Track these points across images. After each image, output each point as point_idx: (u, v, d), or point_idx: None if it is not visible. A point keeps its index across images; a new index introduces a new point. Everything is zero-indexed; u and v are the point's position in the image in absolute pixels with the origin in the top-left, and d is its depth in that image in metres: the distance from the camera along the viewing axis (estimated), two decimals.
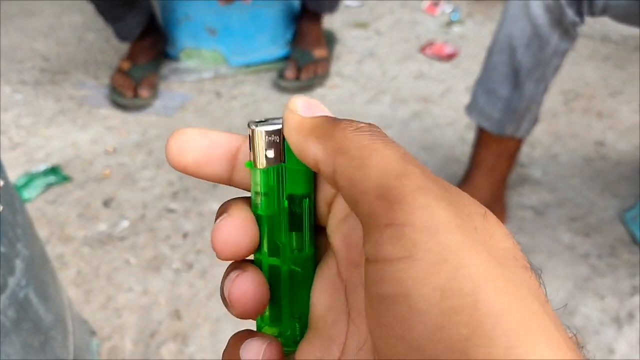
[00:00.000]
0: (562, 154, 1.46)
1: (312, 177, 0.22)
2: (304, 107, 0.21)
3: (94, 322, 1.05)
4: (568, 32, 1.05)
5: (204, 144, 0.22)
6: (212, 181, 0.23)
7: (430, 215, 0.16)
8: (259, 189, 0.22)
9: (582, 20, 1.04)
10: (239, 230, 0.22)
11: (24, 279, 0.73)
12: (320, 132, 0.19)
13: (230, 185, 0.23)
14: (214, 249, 0.22)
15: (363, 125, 0.19)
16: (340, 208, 0.22)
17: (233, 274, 0.23)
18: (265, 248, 0.23)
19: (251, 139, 0.21)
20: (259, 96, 1.63)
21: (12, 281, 0.71)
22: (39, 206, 1.29)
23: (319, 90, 1.64)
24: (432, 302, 0.15)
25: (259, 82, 1.67)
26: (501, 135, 1.15)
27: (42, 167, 1.38)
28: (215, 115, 1.56)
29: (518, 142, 1.18)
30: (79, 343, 0.88)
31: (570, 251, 1.20)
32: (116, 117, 1.55)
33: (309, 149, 0.20)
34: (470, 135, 1.46)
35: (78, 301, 1.09)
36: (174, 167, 0.22)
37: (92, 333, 1.02)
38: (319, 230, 0.23)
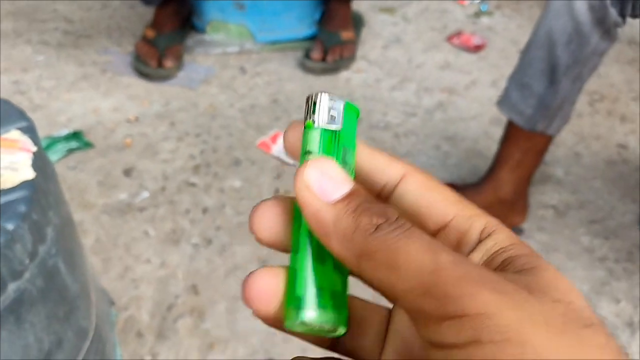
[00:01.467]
0: (585, 155, 1.45)
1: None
2: (318, 185, 0.20)
3: (112, 292, 1.06)
4: (609, 32, 1.04)
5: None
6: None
7: (480, 301, 0.17)
8: (315, 147, 0.22)
9: (623, 21, 1.03)
10: (277, 209, 0.22)
11: (54, 247, 0.73)
12: (341, 233, 0.19)
13: None
14: (251, 229, 0.22)
15: (381, 219, 0.19)
16: None
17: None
18: None
19: (313, 102, 0.22)
20: (284, 75, 1.61)
21: (42, 249, 0.71)
22: (59, 171, 1.28)
23: (344, 74, 1.62)
24: None
25: (284, 61, 1.66)
26: (532, 131, 1.14)
27: (64, 131, 1.37)
28: (239, 92, 1.55)
29: (547, 140, 1.17)
30: (99, 313, 0.88)
31: (588, 253, 1.20)
32: (139, 85, 1.54)
33: (332, 245, 0.19)
34: (494, 130, 1.45)
35: (96, 270, 1.09)
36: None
37: (111, 303, 1.02)
38: None
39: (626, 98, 1.64)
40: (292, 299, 0.21)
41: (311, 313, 0.20)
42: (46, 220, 0.72)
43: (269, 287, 0.21)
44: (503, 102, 1.18)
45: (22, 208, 0.67)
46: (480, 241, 0.21)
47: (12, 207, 0.67)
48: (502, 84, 1.24)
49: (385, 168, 0.23)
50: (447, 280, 0.17)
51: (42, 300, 0.71)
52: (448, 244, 0.22)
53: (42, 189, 0.71)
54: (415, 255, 0.18)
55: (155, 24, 1.59)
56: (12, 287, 0.66)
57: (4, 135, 0.77)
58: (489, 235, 0.21)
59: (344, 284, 0.22)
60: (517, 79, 1.15)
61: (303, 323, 0.20)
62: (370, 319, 0.24)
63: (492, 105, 1.39)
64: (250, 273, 0.22)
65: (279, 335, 1.01)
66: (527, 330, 0.16)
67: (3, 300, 0.65)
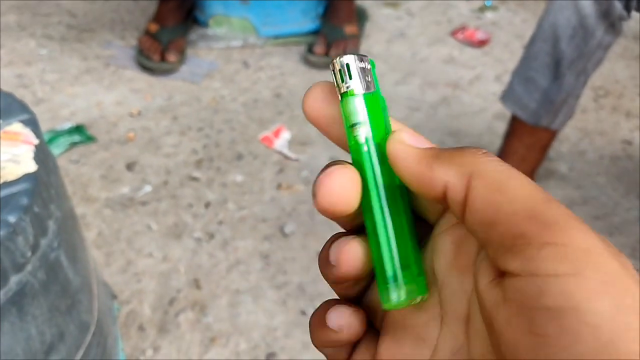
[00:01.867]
0: (590, 151, 1.44)
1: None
2: (412, 139, 0.21)
3: (114, 286, 1.06)
4: (614, 26, 1.03)
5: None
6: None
7: (589, 239, 0.17)
8: (362, 118, 0.21)
9: (628, 15, 1.02)
10: (348, 176, 0.21)
11: (55, 240, 0.73)
12: (449, 157, 0.19)
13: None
14: (317, 201, 0.21)
15: (488, 152, 0.19)
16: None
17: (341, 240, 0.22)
18: (379, 183, 0.21)
19: (344, 69, 0.21)
20: (287, 69, 1.61)
21: (44, 242, 0.71)
22: (61, 165, 1.29)
23: None
24: (606, 317, 0.15)
25: (287, 55, 1.65)
26: (536, 126, 1.14)
27: (67, 125, 1.37)
28: (242, 86, 1.54)
29: (551, 135, 1.17)
30: (101, 306, 0.88)
31: None
32: (142, 79, 1.54)
33: (437, 175, 0.19)
34: (498, 125, 1.44)
35: (98, 263, 1.09)
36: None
37: (113, 296, 1.03)
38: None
39: (631, 94, 1.63)
40: (384, 281, 0.21)
41: (403, 295, 0.21)
42: (48, 213, 0.72)
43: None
44: (507, 96, 1.17)
45: (24, 200, 0.67)
46: None
47: (14, 199, 0.67)
48: (507, 78, 1.23)
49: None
50: (558, 212, 0.17)
51: (44, 293, 0.71)
52: None
53: (44, 182, 0.71)
54: (528, 184, 0.18)
55: (158, 18, 1.59)
56: (14, 280, 0.66)
57: (6, 128, 0.77)
58: None
59: (419, 249, 0.22)
60: (521, 73, 1.14)
61: (399, 304, 0.21)
62: None
63: (496, 100, 1.38)
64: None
65: (280, 329, 1.01)
66: (630, 282, 0.16)
67: (5, 293, 0.65)
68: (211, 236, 1.17)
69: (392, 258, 0.21)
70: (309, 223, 1.20)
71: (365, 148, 0.21)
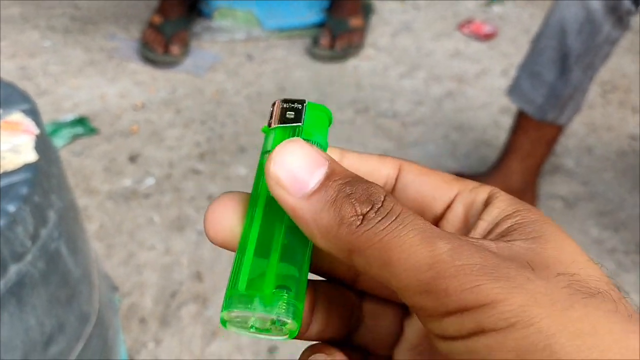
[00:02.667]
0: (596, 146, 1.42)
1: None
2: (289, 178, 0.18)
3: (115, 278, 1.05)
4: (621, 20, 1.02)
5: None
6: None
7: (482, 293, 0.16)
8: (269, 147, 0.21)
9: (636, 9, 1.01)
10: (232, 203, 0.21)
11: (56, 231, 0.72)
12: (324, 230, 0.18)
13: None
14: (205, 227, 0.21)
15: (365, 207, 0.17)
16: None
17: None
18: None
19: (273, 109, 0.22)
20: (291, 62, 1.60)
21: (44, 232, 0.70)
22: (64, 157, 1.28)
23: (353, 61, 1.60)
24: None
25: (292, 48, 1.64)
26: (542, 121, 1.12)
27: (70, 117, 1.37)
28: (245, 79, 1.54)
29: (558, 130, 1.15)
30: (102, 298, 0.88)
31: (597, 245, 1.18)
32: (145, 72, 1.53)
33: (318, 243, 0.18)
34: (504, 120, 1.43)
35: (100, 255, 1.09)
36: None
37: (114, 288, 1.02)
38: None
39: (638, 89, 1.61)
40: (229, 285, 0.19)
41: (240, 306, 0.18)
42: (48, 203, 0.71)
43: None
44: (513, 91, 1.16)
45: (23, 190, 0.67)
46: (484, 210, 0.20)
47: (13, 189, 0.67)
48: (513, 73, 1.22)
49: (379, 168, 0.22)
50: (446, 275, 0.16)
51: (44, 284, 0.71)
52: (456, 220, 0.21)
53: (44, 172, 0.71)
54: (409, 250, 0.16)
55: (162, 10, 1.58)
56: (13, 269, 0.66)
57: (6, 118, 0.76)
58: (492, 203, 0.20)
59: (299, 275, 0.19)
60: (528, 67, 1.13)
61: (237, 318, 0.19)
62: (384, 312, 0.23)
63: (502, 94, 1.37)
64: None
65: None
66: (531, 313, 0.15)
67: (5, 283, 0.65)
68: None
69: (245, 269, 0.19)
70: None
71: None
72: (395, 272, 0.16)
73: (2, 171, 0.68)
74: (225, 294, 0.19)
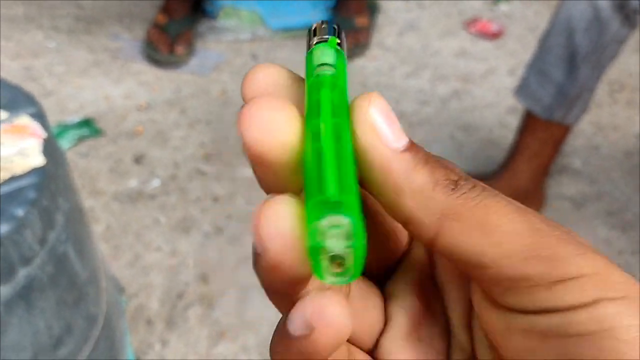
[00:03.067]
0: (604, 146, 1.42)
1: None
2: (384, 128, 0.16)
3: (122, 279, 1.05)
4: (629, 18, 1.02)
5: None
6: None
7: (594, 261, 0.15)
8: (331, 60, 0.18)
9: None
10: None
11: (64, 233, 0.72)
12: (417, 189, 0.16)
13: None
14: (243, 135, 0.16)
15: (455, 176, 0.16)
16: None
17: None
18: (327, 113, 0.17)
19: (318, 28, 0.19)
20: (296, 62, 1.59)
21: (52, 236, 0.70)
22: (70, 158, 1.28)
23: (359, 61, 1.60)
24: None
25: (297, 48, 1.63)
26: (549, 121, 1.12)
27: (75, 118, 1.37)
28: None
29: (565, 129, 1.15)
30: (109, 299, 0.88)
31: (605, 246, 1.18)
32: (150, 72, 1.53)
33: (405, 204, 0.16)
34: (510, 120, 1.42)
35: (107, 257, 1.09)
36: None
37: (121, 290, 1.02)
38: None
39: None
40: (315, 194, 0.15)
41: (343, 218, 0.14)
42: (56, 206, 0.71)
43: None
44: (521, 90, 1.16)
45: (32, 194, 0.67)
46: None
47: (22, 193, 0.67)
48: (520, 72, 1.21)
49: None
50: (550, 242, 0.15)
51: (52, 287, 0.71)
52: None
53: (52, 175, 0.70)
54: (508, 215, 0.16)
55: (166, 10, 1.58)
56: (22, 273, 0.66)
57: (13, 121, 0.76)
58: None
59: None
60: (536, 66, 1.13)
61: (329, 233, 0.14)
62: (370, 295, 0.20)
63: (509, 93, 1.36)
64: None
65: None
66: (635, 287, 0.15)
67: (13, 286, 0.65)
68: (220, 231, 1.16)
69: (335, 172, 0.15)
70: None
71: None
72: (495, 238, 0.16)
73: (10, 175, 0.68)
74: (309, 202, 0.15)
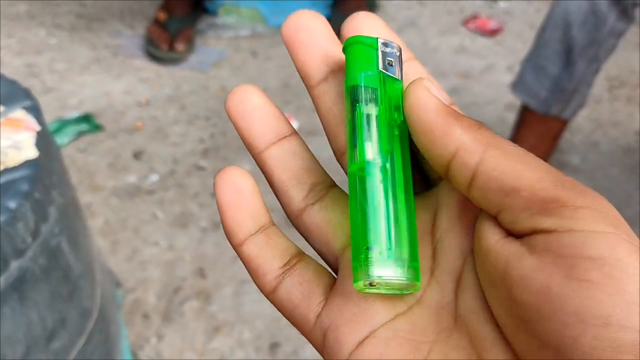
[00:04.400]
0: (602, 142, 1.41)
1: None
2: (436, 90, 0.20)
3: (119, 274, 1.06)
4: (626, 12, 1.01)
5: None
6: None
7: (614, 209, 0.18)
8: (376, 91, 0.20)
9: None
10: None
11: (57, 227, 0.73)
12: (467, 123, 0.19)
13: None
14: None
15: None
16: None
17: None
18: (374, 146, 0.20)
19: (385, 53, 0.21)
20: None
21: (45, 228, 0.70)
22: (69, 153, 1.29)
23: None
24: None
25: None
26: (546, 115, 1.12)
27: (75, 114, 1.38)
28: (249, 75, 1.54)
29: (562, 124, 1.15)
30: (104, 293, 0.88)
31: None
32: (150, 69, 1.54)
33: (453, 133, 0.19)
34: (510, 116, 1.42)
35: (104, 251, 1.09)
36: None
37: (118, 284, 1.03)
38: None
39: None
40: (361, 251, 0.18)
41: (387, 270, 0.18)
42: (49, 199, 0.71)
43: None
44: (517, 84, 1.16)
45: (24, 187, 0.67)
46: None
47: (14, 185, 0.67)
48: (518, 68, 1.21)
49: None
50: (579, 183, 0.18)
51: (45, 279, 0.71)
52: None
53: (45, 168, 0.71)
54: (540, 159, 0.19)
55: (167, 7, 1.58)
56: (14, 265, 0.66)
57: (8, 115, 0.76)
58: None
59: (414, 229, 0.20)
60: (532, 61, 1.13)
61: (376, 282, 0.18)
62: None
63: (508, 90, 1.36)
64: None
65: (284, 319, 1.00)
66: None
67: (6, 278, 0.65)
68: (217, 226, 1.16)
69: (387, 219, 0.19)
70: None
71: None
72: (531, 166, 0.18)
73: (3, 168, 0.68)
74: (365, 255, 0.18)
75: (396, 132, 0.20)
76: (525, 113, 1.16)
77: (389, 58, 0.21)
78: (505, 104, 1.47)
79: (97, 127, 1.36)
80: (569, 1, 1.03)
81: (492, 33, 1.70)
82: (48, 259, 0.70)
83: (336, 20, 1.60)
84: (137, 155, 1.31)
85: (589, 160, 1.36)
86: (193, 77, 1.52)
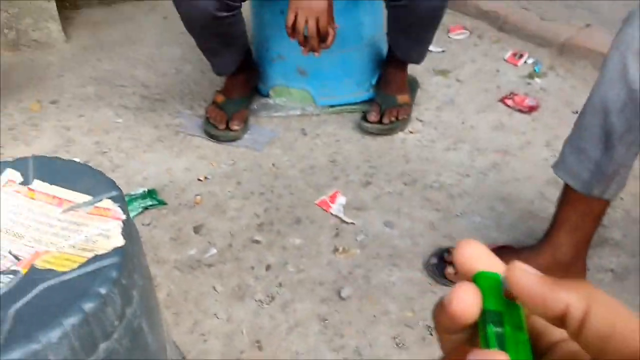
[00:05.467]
0: None
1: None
2: (529, 268, 0.25)
3: (181, 346, 1.13)
4: None
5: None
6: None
7: None
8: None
9: None
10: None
11: (138, 308, 0.80)
12: (568, 284, 0.24)
13: None
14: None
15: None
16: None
17: None
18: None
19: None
20: (342, 136, 1.70)
21: (129, 311, 0.78)
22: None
23: (400, 135, 1.69)
24: None
25: (343, 123, 1.74)
26: (588, 196, 1.16)
27: (140, 190, 1.49)
28: (300, 153, 1.64)
29: (605, 204, 1.17)
30: None
31: None
32: (208, 147, 1.66)
33: (560, 297, 0.24)
34: (550, 191, 1.47)
35: (168, 324, 1.17)
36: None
37: (182, 357, 1.10)
38: None
39: None
40: None
41: None
42: (132, 283, 0.79)
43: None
44: (559, 165, 1.19)
45: (113, 274, 0.75)
46: None
47: (104, 272, 0.74)
48: (556, 144, 1.25)
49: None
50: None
51: (128, 359, 0.78)
52: None
53: (129, 254, 0.79)
54: (629, 310, 0.23)
55: (225, 91, 1.72)
56: (102, 347, 0.73)
57: (97, 204, 0.86)
58: None
59: None
60: (573, 143, 1.16)
61: None
62: None
63: (547, 166, 1.41)
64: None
65: None
66: None
67: None
68: (272, 298, 1.23)
69: None
70: (365, 287, 1.26)
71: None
72: (624, 317, 0.22)
73: (93, 255, 0.77)
74: None
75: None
76: (568, 192, 1.18)
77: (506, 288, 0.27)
78: (544, 179, 1.53)
79: (160, 202, 1.47)
80: (608, 89, 1.06)
81: (529, 110, 1.77)
82: (131, 340, 0.78)
83: (380, 100, 1.71)
84: (197, 229, 1.40)
85: (630, 235, 1.39)
86: (248, 155, 1.63)
